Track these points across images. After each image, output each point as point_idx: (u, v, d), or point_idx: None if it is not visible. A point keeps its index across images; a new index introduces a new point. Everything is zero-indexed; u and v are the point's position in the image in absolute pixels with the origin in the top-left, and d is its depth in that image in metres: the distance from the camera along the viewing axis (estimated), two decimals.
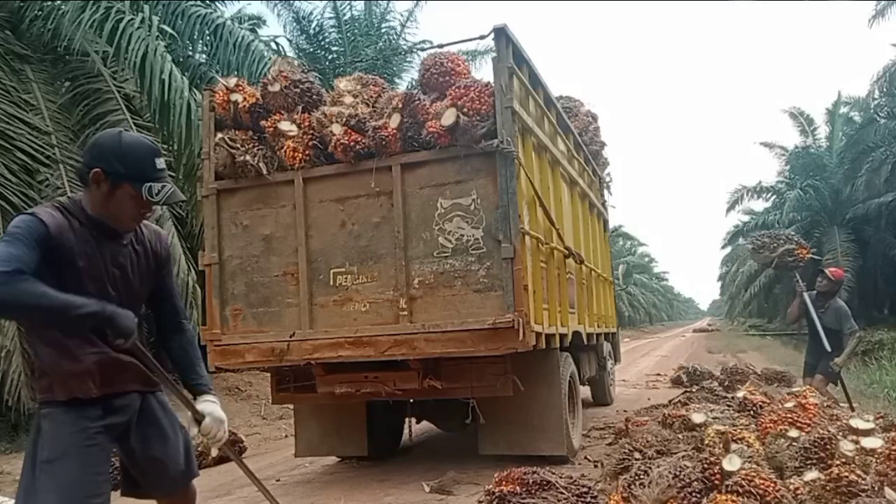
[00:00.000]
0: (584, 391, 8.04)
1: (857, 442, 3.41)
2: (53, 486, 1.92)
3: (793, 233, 7.60)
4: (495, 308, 4.32)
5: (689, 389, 7.54)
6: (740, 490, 2.87)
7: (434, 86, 4.80)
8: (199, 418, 2.19)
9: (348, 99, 4.97)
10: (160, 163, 2.08)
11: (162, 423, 2.23)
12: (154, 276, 2.25)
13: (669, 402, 6.41)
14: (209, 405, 2.23)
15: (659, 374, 12.84)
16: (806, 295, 6.45)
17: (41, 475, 1.95)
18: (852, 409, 5.70)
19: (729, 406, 5.12)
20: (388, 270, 4.62)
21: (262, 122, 4.98)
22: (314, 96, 5.09)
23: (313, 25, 16.79)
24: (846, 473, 2.97)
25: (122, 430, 2.14)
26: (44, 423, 2.02)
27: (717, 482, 2.97)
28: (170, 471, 2.22)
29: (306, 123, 4.89)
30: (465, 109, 4.42)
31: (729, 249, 38.80)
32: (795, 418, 4.03)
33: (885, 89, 21.44)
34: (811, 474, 3.14)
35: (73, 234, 2.00)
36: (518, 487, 3.28)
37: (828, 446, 3.38)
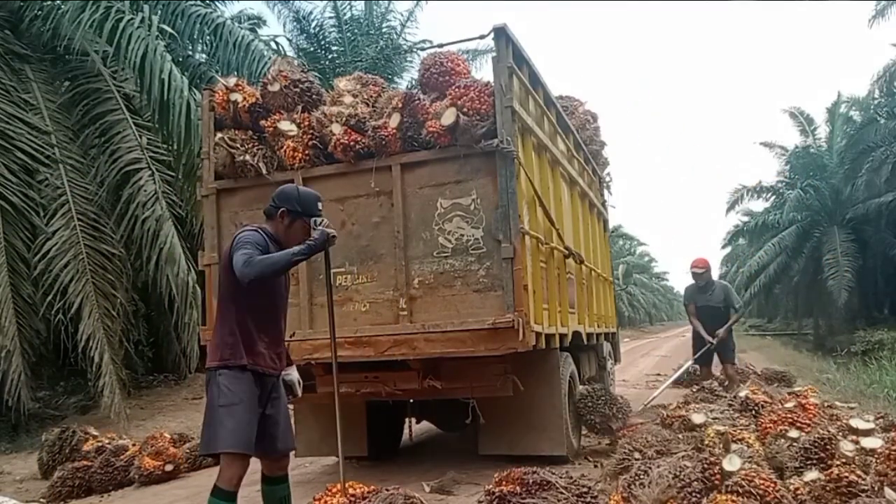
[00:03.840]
0: None
1: (857, 442, 3.40)
2: (229, 421, 2.87)
3: None
4: (495, 308, 4.32)
5: (691, 388, 7.54)
6: (740, 490, 2.87)
7: (434, 85, 4.79)
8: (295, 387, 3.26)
9: (348, 99, 4.96)
10: (320, 205, 3.20)
11: (281, 400, 3.14)
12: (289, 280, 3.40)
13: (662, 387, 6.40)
14: (294, 373, 3.32)
15: (659, 374, 12.83)
16: (688, 291, 7.77)
17: (218, 415, 2.88)
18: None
19: (730, 405, 5.12)
20: (388, 270, 4.61)
21: (262, 122, 4.97)
22: (314, 96, 5.09)
23: (313, 25, 16.80)
24: (846, 473, 2.96)
25: (264, 400, 3.02)
26: (221, 379, 2.92)
27: (717, 482, 2.97)
28: (279, 437, 3.06)
29: (306, 123, 4.88)
30: (465, 109, 4.41)
31: (729, 249, 38.86)
32: (795, 418, 4.03)
33: (885, 89, 21.47)
34: (811, 474, 3.14)
35: (270, 247, 3.03)
36: (518, 487, 3.27)
37: (828, 446, 3.38)
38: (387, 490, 3.17)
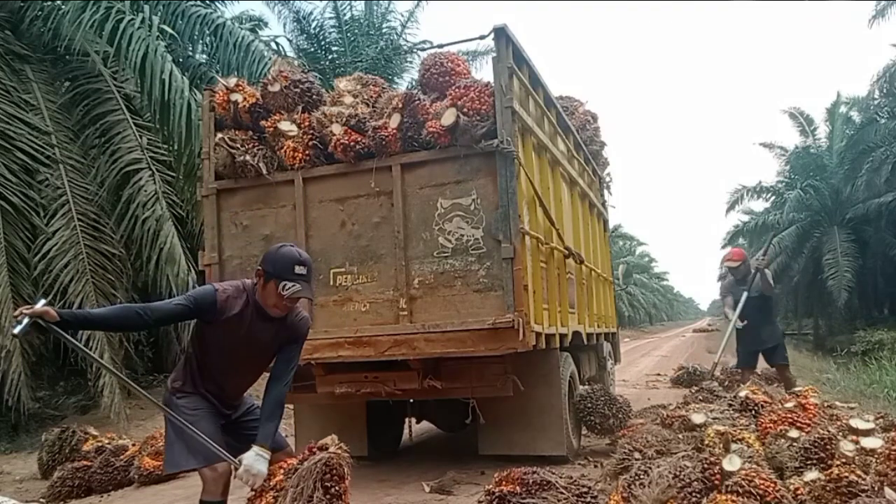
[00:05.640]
0: None
1: (857, 442, 3.40)
2: (191, 440, 2.82)
3: None
4: (495, 308, 4.32)
5: (690, 389, 7.53)
6: (740, 490, 2.87)
7: (434, 86, 4.80)
8: (235, 466, 2.85)
9: (348, 99, 4.97)
10: (298, 269, 2.84)
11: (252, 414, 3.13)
12: (281, 345, 3.05)
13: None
14: (250, 457, 2.85)
15: (659, 374, 12.84)
16: (724, 286, 7.21)
17: (178, 433, 2.87)
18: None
19: (730, 405, 5.11)
20: (388, 270, 4.62)
21: (262, 122, 4.98)
22: (314, 96, 5.09)
23: (313, 25, 16.78)
24: (846, 473, 2.96)
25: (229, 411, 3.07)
26: (178, 400, 2.95)
27: (717, 482, 2.97)
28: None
29: (306, 123, 4.88)
30: (465, 109, 4.41)
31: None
32: (795, 418, 4.03)
33: (885, 89, 21.46)
34: (811, 474, 3.14)
35: (237, 309, 2.89)
36: (518, 487, 3.27)
37: (828, 446, 3.38)
38: (306, 463, 2.94)
